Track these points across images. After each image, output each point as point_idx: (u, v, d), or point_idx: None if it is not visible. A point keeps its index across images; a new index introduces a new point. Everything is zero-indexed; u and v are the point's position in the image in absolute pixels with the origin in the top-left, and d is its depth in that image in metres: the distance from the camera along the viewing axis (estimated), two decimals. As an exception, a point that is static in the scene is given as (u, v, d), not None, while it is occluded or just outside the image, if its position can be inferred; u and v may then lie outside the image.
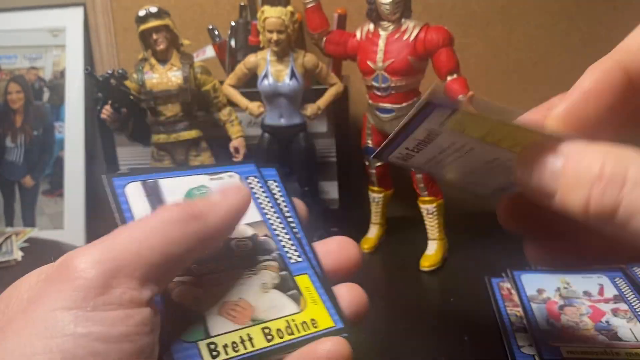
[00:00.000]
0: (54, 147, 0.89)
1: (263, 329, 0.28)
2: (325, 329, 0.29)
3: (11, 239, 0.78)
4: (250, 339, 0.27)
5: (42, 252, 0.75)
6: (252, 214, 0.33)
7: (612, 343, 0.52)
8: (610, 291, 0.60)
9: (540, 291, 0.61)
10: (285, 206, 0.35)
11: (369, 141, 0.74)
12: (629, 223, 0.20)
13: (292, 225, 0.34)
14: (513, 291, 0.62)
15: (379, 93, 0.69)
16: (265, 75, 0.71)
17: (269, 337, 0.28)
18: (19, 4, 0.90)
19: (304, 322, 0.29)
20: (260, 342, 0.27)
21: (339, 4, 0.78)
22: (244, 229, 0.33)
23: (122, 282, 0.22)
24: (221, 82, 0.75)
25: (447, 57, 0.65)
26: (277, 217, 0.34)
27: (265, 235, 0.33)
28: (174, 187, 0.33)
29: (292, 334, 0.28)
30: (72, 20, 0.89)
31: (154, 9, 0.69)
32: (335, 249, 0.33)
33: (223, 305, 0.28)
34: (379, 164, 0.76)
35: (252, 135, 0.77)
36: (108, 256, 0.23)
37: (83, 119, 0.88)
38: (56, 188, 0.88)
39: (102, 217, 0.92)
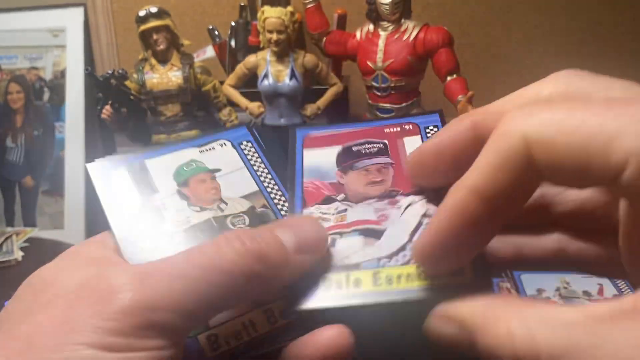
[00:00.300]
0: (54, 147, 0.89)
1: (264, 311, 0.26)
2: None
3: (11, 238, 0.78)
4: (252, 324, 0.26)
5: (43, 252, 0.75)
6: (248, 184, 0.31)
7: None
8: (609, 291, 0.60)
9: (540, 291, 0.61)
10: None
11: (369, 141, 0.74)
12: None
13: (290, 195, 0.31)
14: (513, 291, 0.62)
15: (378, 93, 0.69)
16: (265, 75, 0.71)
17: (272, 319, 0.26)
18: (19, 4, 0.90)
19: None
20: (263, 326, 0.26)
21: (339, 4, 0.78)
22: (239, 202, 0.31)
23: (159, 333, 0.20)
24: (221, 82, 0.75)
25: (446, 57, 0.65)
26: (275, 184, 0.32)
27: (264, 207, 0.31)
28: (162, 167, 0.31)
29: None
30: (72, 20, 0.89)
31: (154, 9, 0.69)
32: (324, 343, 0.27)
33: None
34: (379, 164, 0.76)
35: (252, 135, 0.77)
36: (156, 304, 0.20)
37: (83, 119, 0.88)
38: (56, 188, 0.88)
39: (102, 216, 0.92)
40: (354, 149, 0.37)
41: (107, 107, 0.71)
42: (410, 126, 0.37)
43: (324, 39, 0.71)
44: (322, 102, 0.73)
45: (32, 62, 0.90)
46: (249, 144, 0.33)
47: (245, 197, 0.31)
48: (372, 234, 0.31)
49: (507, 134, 0.20)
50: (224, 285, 0.21)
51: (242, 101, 0.73)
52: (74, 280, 0.22)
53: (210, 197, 0.30)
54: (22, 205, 0.89)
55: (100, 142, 0.88)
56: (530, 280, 0.63)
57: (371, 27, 0.69)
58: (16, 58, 0.91)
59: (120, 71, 0.71)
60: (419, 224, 0.30)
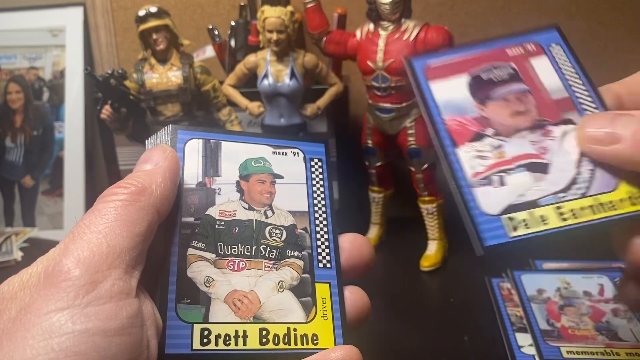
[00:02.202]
0: (54, 147, 0.89)
1: (261, 329, 0.27)
2: (324, 348, 0.28)
3: (11, 239, 0.78)
4: (244, 337, 0.26)
5: (42, 252, 0.75)
6: (300, 202, 0.31)
7: (612, 343, 0.52)
8: (610, 291, 0.60)
9: (540, 291, 0.61)
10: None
11: (369, 141, 0.74)
12: None
13: (334, 225, 0.32)
14: (513, 291, 0.62)
15: (378, 93, 0.69)
16: (265, 75, 0.71)
17: (264, 340, 0.27)
18: (19, 4, 0.90)
19: (305, 334, 0.28)
20: (252, 343, 0.26)
21: (339, 4, 0.78)
22: (284, 216, 0.31)
23: (107, 274, 0.23)
24: (221, 82, 0.75)
25: (447, 57, 0.65)
26: (324, 212, 0.32)
27: (304, 229, 0.31)
28: (233, 152, 0.32)
29: (288, 343, 0.27)
30: (72, 20, 0.89)
31: (153, 9, 0.69)
32: (347, 247, 0.31)
33: (232, 292, 0.27)
34: (379, 163, 0.76)
35: (252, 135, 0.77)
36: (86, 253, 0.23)
37: (83, 119, 0.88)
38: (56, 188, 0.88)
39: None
40: (484, 76, 0.35)
41: (107, 107, 0.70)
42: (533, 46, 0.36)
43: (324, 39, 0.71)
44: (322, 101, 0.73)
45: (32, 61, 0.90)
46: (320, 162, 0.33)
47: (293, 213, 0.31)
48: (538, 168, 0.31)
49: None
50: (119, 215, 0.25)
51: (242, 101, 0.73)
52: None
53: (262, 199, 0.31)
54: (21, 205, 0.89)
55: (100, 142, 0.88)
56: (531, 280, 0.62)
57: (371, 26, 0.69)
58: (15, 58, 0.91)
59: (120, 71, 0.71)
60: (581, 154, 0.30)
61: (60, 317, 0.21)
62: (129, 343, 0.22)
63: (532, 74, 0.36)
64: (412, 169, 0.72)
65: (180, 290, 0.27)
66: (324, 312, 0.29)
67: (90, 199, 0.88)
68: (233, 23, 0.80)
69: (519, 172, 0.32)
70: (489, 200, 0.31)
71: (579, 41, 0.91)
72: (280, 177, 0.32)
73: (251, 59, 0.72)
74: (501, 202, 0.31)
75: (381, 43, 0.67)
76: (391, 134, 0.72)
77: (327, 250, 0.30)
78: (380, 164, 0.76)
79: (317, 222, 0.31)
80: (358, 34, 0.70)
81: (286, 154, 0.33)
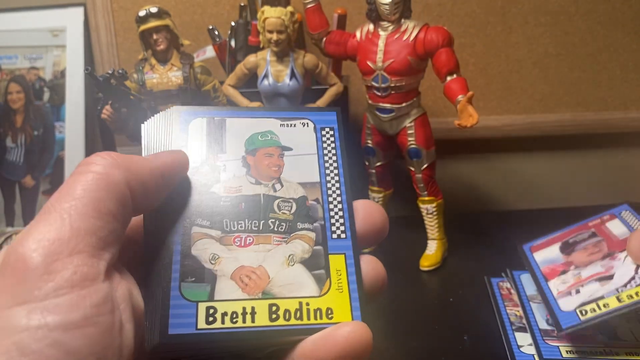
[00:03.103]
0: (54, 147, 0.89)
1: (270, 305, 0.25)
2: (340, 322, 0.26)
3: (11, 239, 0.78)
4: (252, 313, 0.25)
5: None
6: (311, 173, 0.30)
7: (611, 343, 0.52)
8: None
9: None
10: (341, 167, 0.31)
11: (369, 141, 0.74)
12: None
13: (348, 194, 0.30)
14: (513, 291, 0.62)
15: (378, 93, 0.69)
16: (265, 76, 0.71)
17: (274, 316, 0.25)
18: (19, 4, 0.90)
19: (319, 309, 0.26)
20: (262, 320, 0.25)
21: (339, 4, 0.78)
22: (294, 188, 0.30)
23: (68, 262, 0.21)
24: (221, 82, 0.75)
25: (446, 58, 0.65)
26: (337, 182, 0.30)
27: (316, 200, 0.29)
28: (239, 128, 0.31)
29: (300, 319, 0.26)
30: (72, 20, 0.89)
31: (154, 9, 0.69)
32: (359, 215, 0.30)
33: (239, 268, 0.26)
34: (379, 163, 0.76)
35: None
36: (46, 238, 0.21)
37: (83, 119, 0.88)
38: (56, 188, 0.88)
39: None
40: (570, 241, 0.58)
41: (107, 107, 0.70)
42: (608, 216, 0.58)
43: (324, 39, 0.71)
44: (322, 102, 0.73)
45: (32, 62, 0.90)
46: (331, 131, 0.32)
47: (303, 184, 0.30)
48: (605, 279, 0.50)
49: None
50: (93, 192, 0.23)
51: (242, 101, 0.73)
52: None
53: (269, 173, 0.30)
54: (22, 205, 0.89)
55: (100, 142, 0.88)
56: (531, 280, 0.63)
57: (371, 27, 0.69)
58: (16, 58, 0.91)
59: (120, 71, 0.71)
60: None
61: (16, 313, 0.19)
62: (95, 333, 0.20)
63: (606, 230, 0.56)
64: (412, 169, 0.72)
65: (184, 268, 0.26)
66: (339, 285, 0.27)
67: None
68: (233, 23, 0.80)
69: (591, 284, 0.50)
70: (567, 303, 0.50)
71: (579, 41, 0.91)
72: (289, 149, 0.31)
73: (251, 59, 0.72)
74: (576, 302, 0.49)
75: (381, 43, 0.67)
76: (391, 134, 0.72)
77: (341, 221, 0.29)
78: (380, 164, 0.76)
79: (330, 192, 0.30)
80: (358, 34, 0.70)
81: (295, 125, 0.31)
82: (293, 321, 0.25)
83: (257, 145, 0.30)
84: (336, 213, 0.29)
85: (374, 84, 0.69)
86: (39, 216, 0.22)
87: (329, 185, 0.30)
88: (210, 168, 0.29)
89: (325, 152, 0.31)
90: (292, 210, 0.29)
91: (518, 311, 0.59)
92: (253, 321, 0.25)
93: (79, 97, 0.89)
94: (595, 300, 0.48)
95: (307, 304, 0.26)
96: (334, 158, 0.31)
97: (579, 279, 0.52)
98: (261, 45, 0.72)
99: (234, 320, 0.25)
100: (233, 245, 0.27)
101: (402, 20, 0.67)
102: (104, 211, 0.23)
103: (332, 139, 0.32)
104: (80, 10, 0.89)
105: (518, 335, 0.55)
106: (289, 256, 0.27)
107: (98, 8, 0.87)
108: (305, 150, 0.31)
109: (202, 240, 0.27)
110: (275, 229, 0.28)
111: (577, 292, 0.51)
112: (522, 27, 0.88)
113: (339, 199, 0.30)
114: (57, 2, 0.89)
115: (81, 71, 0.88)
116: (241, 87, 0.74)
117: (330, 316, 0.26)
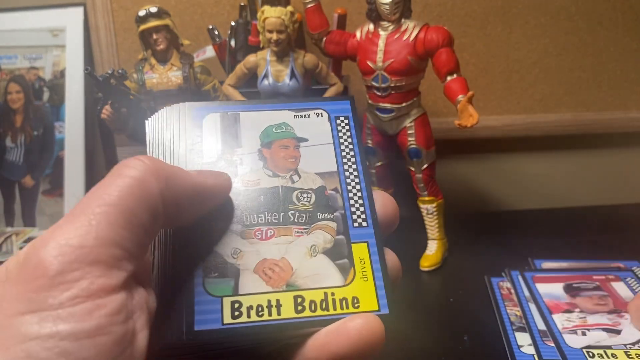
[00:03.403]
0: (54, 147, 0.89)
1: (295, 297, 0.25)
2: (366, 311, 0.26)
3: (11, 239, 0.78)
4: (278, 306, 0.25)
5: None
6: (328, 162, 0.30)
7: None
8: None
9: (540, 291, 0.61)
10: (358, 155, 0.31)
11: (369, 141, 0.74)
12: None
13: (367, 182, 0.30)
14: (513, 291, 0.62)
15: (378, 93, 0.69)
16: (265, 75, 0.71)
17: (299, 308, 0.25)
18: (19, 4, 0.90)
19: (344, 298, 0.26)
20: (287, 312, 0.25)
21: (339, 4, 0.78)
22: (312, 179, 0.29)
23: (87, 271, 0.20)
24: (221, 82, 0.75)
25: (447, 57, 0.65)
26: (354, 170, 0.30)
27: (335, 190, 0.29)
28: (253, 122, 0.30)
29: (327, 309, 0.25)
30: (72, 20, 0.89)
31: (154, 9, 0.69)
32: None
33: (262, 262, 0.26)
34: (379, 163, 0.76)
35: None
36: (70, 244, 0.20)
37: (83, 119, 0.88)
38: (56, 188, 0.88)
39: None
40: (574, 285, 0.60)
41: (107, 107, 0.70)
42: (613, 275, 0.61)
43: (324, 39, 0.71)
44: (322, 102, 0.73)
45: (32, 61, 0.90)
46: (346, 120, 0.32)
47: (321, 174, 0.30)
48: (612, 331, 0.52)
49: None
50: (125, 202, 0.22)
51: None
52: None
53: (286, 165, 0.30)
54: (21, 205, 0.89)
55: (100, 142, 0.88)
56: (530, 281, 0.62)
57: (371, 27, 0.69)
58: (16, 58, 0.91)
59: (120, 71, 0.71)
60: None
61: (28, 320, 0.19)
62: (106, 343, 0.20)
63: (612, 289, 0.59)
64: (412, 169, 0.72)
65: (207, 264, 0.26)
66: (364, 273, 0.27)
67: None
68: (233, 23, 0.80)
69: (598, 331, 0.52)
70: (573, 341, 0.52)
71: (579, 41, 0.91)
72: (304, 140, 0.31)
73: (251, 59, 0.72)
74: (582, 342, 0.51)
75: (381, 43, 0.67)
76: (391, 134, 0.72)
77: (361, 209, 0.29)
78: (380, 164, 0.76)
79: (348, 180, 0.30)
80: (358, 34, 0.70)
81: (309, 116, 0.31)
82: (319, 312, 0.25)
83: (273, 138, 0.30)
84: (356, 201, 0.29)
85: (374, 83, 0.68)
86: (68, 216, 0.22)
87: (346, 174, 0.30)
88: (227, 163, 0.29)
89: (341, 140, 0.31)
90: (312, 201, 0.29)
91: (518, 311, 0.59)
92: (279, 314, 0.25)
93: (78, 97, 0.88)
94: (603, 348, 0.50)
95: (333, 294, 0.26)
96: (350, 146, 0.31)
97: (585, 322, 0.54)
98: (261, 45, 0.72)
99: (260, 313, 0.25)
100: (254, 238, 0.27)
101: (402, 20, 0.67)
102: (134, 222, 0.22)
103: (347, 127, 0.31)
104: (80, 10, 0.89)
105: (518, 335, 0.55)
106: (311, 247, 0.27)
107: (98, 8, 0.87)
108: (320, 140, 0.31)
109: (221, 237, 0.27)
110: (296, 221, 0.28)
111: (584, 334, 0.52)
112: (522, 27, 0.88)
113: (357, 187, 0.30)
114: (56, 2, 0.89)
115: (81, 71, 0.88)
116: (241, 87, 0.74)
117: (356, 305, 0.26)
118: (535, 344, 0.53)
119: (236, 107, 0.31)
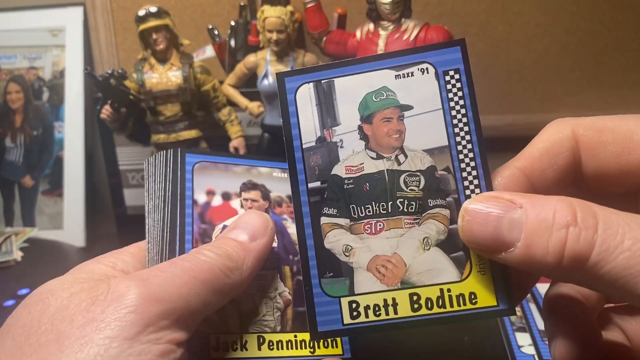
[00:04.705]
0: (54, 147, 0.89)
1: (411, 295, 0.24)
2: (484, 307, 0.24)
3: (11, 239, 0.78)
4: (394, 305, 0.24)
5: (42, 253, 0.75)
6: (438, 135, 0.25)
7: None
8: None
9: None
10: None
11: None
12: (602, 267, 0.20)
13: (483, 157, 0.25)
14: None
15: (379, 93, 0.69)
16: (265, 75, 0.71)
17: (416, 306, 0.24)
18: (19, 4, 0.90)
19: (461, 294, 0.24)
20: (404, 310, 0.24)
21: (339, 4, 0.78)
22: (420, 157, 0.26)
23: (170, 325, 0.24)
24: (221, 82, 0.75)
25: (447, 57, 0.65)
26: (468, 142, 0.25)
27: (446, 170, 0.25)
28: (350, 89, 0.26)
29: (443, 306, 0.24)
30: (71, 20, 0.89)
31: (153, 9, 0.69)
32: None
33: (374, 259, 0.25)
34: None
35: (252, 135, 0.77)
36: (161, 296, 0.24)
37: (83, 119, 0.88)
38: (56, 188, 0.88)
39: (102, 216, 0.92)
40: None
41: (107, 107, 0.70)
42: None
43: (324, 38, 0.71)
44: (322, 101, 0.73)
45: (32, 61, 0.90)
46: (457, 75, 0.26)
47: (429, 151, 0.25)
48: None
49: (558, 125, 0.26)
50: (209, 281, 0.25)
51: (242, 101, 0.73)
52: (73, 305, 0.24)
53: (391, 142, 0.26)
54: (21, 205, 0.89)
55: (100, 142, 0.88)
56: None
57: (371, 26, 0.69)
58: (15, 58, 0.90)
59: (120, 71, 0.71)
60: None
61: (123, 345, 0.22)
62: None
63: None
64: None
65: (321, 263, 0.25)
66: (481, 267, 0.24)
67: (90, 199, 0.88)
68: (233, 23, 0.80)
69: None
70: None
71: (579, 41, 0.91)
72: (409, 107, 0.26)
73: (251, 58, 0.72)
74: None
75: (381, 43, 0.67)
76: (391, 134, 0.72)
77: (477, 191, 0.25)
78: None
79: (462, 157, 0.25)
80: (358, 33, 0.70)
81: (412, 73, 0.26)
82: (436, 310, 0.24)
83: (373, 109, 0.26)
84: (471, 182, 0.25)
85: (374, 83, 0.68)
86: (165, 267, 0.26)
87: (459, 148, 0.25)
88: (327, 147, 0.26)
89: (452, 104, 0.25)
90: (421, 186, 0.25)
91: (518, 311, 0.59)
92: (396, 313, 0.24)
93: (78, 97, 0.88)
94: None
95: (449, 290, 0.24)
96: (463, 111, 0.25)
97: None
98: (261, 45, 0.72)
99: (377, 313, 0.24)
100: (364, 233, 0.25)
101: (403, 19, 0.67)
102: (214, 303, 0.26)
103: (458, 85, 0.25)
104: (79, 10, 0.89)
105: (518, 335, 0.55)
106: (424, 239, 0.25)
107: (97, 8, 0.87)
108: (427, 106, 0.26)
109: (333, 232, 0.25)
110: (405, 210, 0.25)
111: None
112: (522, 27, 0.88)
113: (472, 164, 0.25)
114: (56, 1, 0.89)
115: (80, 71, 0.88)
116: (241, 87, 0.74)
117: (474, 301, 0.24)
118: (535, 344, 0.53)
119: (329, 73, 0.26)
